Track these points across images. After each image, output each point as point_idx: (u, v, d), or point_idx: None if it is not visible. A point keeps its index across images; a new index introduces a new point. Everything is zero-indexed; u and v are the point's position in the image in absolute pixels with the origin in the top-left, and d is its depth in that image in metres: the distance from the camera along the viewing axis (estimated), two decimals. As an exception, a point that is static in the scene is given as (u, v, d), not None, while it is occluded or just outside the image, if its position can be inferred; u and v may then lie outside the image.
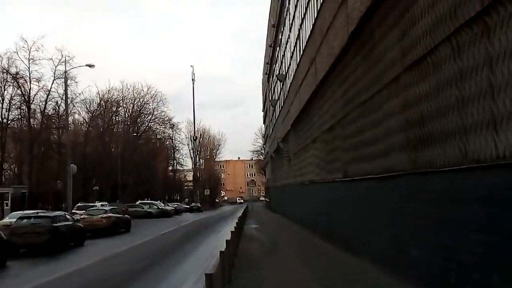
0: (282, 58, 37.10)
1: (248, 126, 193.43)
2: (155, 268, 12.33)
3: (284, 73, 35.82)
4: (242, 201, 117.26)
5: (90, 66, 30.16)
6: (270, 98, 52.22)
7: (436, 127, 7.65)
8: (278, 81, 40.87)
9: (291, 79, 30.14)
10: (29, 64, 45.80)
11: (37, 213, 18.53)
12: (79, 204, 30.43)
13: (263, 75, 65.97)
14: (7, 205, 33.85)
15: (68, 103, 51.47)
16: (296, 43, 26.54)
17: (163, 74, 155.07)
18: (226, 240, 9.25)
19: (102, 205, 29.83)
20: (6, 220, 19.85)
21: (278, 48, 41.74)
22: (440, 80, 7.46)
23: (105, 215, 24.43)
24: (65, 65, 29.76)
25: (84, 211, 26.00)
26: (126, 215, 27.78)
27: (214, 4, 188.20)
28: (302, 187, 25.28)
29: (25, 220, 17.35)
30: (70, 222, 19.06)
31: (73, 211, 27.97)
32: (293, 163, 30.75)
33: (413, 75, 8.64)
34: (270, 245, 16.78)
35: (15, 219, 18.55)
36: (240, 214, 28.04)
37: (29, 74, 46.50)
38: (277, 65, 42.96)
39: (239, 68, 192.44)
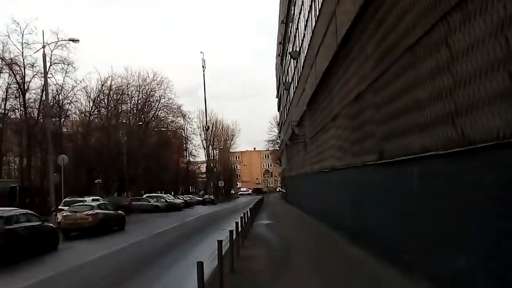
0: (296, 32, 33.14)
1: (264, 117, 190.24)
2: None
3: (297, 49, 31.96)
4: (249, 192, 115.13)
5: (74, 40, 26.48)
6: (283, 81, 48.33)
7: None
8: (292, 61, 37.16)
9: (305, 52, 26.23)
10: (22, 48, 42.09)
11: (-13, 213, 14.94)
12: (66, 199, 26.89)
13: (276, 57, 61.95)
14: (-6, 201, 30.52)
15: (68, 90, 48.56)
16: (311, 6, 22.55)
17: (179, 68, 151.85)
18: (198, 263, 5.48)
19: (93, 199, 26.26)
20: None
21: (291, 23, 37.78)
22: None
23: (90, 212, 20.80)
24: (43, 36, 25.91)
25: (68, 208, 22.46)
26: (119, 211, 24.16)
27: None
28: (321, 176, 21.46)
29: (-26, 222, 13.79)
30: (36, 223, 15.45)
31: (59, 207, 24.52)
32: (310, 149, 26.90)
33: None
34: (281, 251, 12.94)
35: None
36: (251, 207, 24.33)
37: (23, 60, 42.73)
38: (290, 42, 39.01)
39: (255, 59, 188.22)
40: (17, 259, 13.31)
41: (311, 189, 25.94)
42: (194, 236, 18.91)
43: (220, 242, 7.35)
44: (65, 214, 21.21)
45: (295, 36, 34.10)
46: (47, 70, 44.37)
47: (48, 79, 45.13)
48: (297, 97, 33.63)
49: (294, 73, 35.93)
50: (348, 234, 14.25)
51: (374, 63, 11.01)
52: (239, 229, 13.19)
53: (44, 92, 27.89)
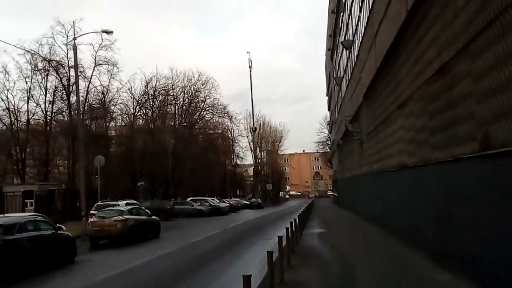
0: (348, 20, 29.94)
1: (314, 120, 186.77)
2: None
3: (350, 37, 28.77)
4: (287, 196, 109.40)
5: (107, 32, 24.32)
6: (334, 77, 45.04)
7: None
8: (344, 52, 34.03)
9: (361, 36, 23.04)
10: (67, 50, 40.98)
11: (-10, 219, 12.70)
12: (99, 203, 24.77)
13: (326, 51, 58.65)
14: (31, 205, 28.97)
15: (113, 92, 47.41)
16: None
17: (229, 73, 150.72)
18: None
19: (126, 203, 23.98)
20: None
21: (342, 12, 34.56)
22: None
23: (119, 218, 18.42)
24: (74, 27, 23.98)
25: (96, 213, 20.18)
26: (153, 217, 21.73)
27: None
28: (383, 177, 18.24)
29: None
30: (47, 232, 13.12)
31: (92, 211, 22.39)
32: (367, 146, 23.66)
33: None
34: (341, 276, 9.78)
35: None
36: (300, 213, 21.39)
37: (68, 61, 41.68)
38: (341, 33, 35.75)
39: (304, 63, 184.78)
40: (18, 277, 10.99)
41: (370, 192, 22.67)
42: (233, 247, 16.10)
43: (247, 280, 4.49)
44: (92, 220, 18.94)
45: (347, 25, 30.91)
46: (92, 72, 43.61)
47: (92, 81, 44.49)
48: (351, 90, 30.41)
49: (347, 65, 32.72)
50: (428, 252, 11.03)
51: (471, 15, 7.86)
52: (284, 242, 10.36)
53: (75, 86, 25.97)
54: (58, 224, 16.32)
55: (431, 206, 10.76)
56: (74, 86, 42.38)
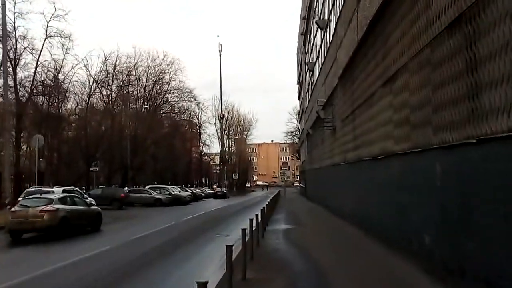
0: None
1: (283, 113, 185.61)
2: None
3: (326, 17, 26.25)
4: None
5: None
6: (306, 62, 42.51)
7: None
8: (317, 36, 31.56)
9: (339, 10, 20.47)
10: (14, 18, 37.08)
11: None
12: (29, 190, 21.51)
13: (299, 37, 56.07)
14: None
15: (68, 68, 43.60)
16: None
17: (203, 63, 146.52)
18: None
19: (63, 190, 20.85)
20: None
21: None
22: None
23: (47, 208, 15.31)
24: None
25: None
26: (95, 207, 18.68)
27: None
28: (360, 166, 15.75)
29: None
30: None
31: (19, 198, 19.21)
32: (341, 133, 21.16)
33: None
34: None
35: None
36: (265, 205, 18.85)
37: (15, 31, 37.80)
38: (316, 12, 33.11)
39: (277, 56, 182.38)
40: None
41: (343, 185, 20.22)
42: (182, 246, 13.30)
43: None
44: (13, 209, 15.76)
45: (323, 3, 28.28)
46: (42, 45, 39.76)
47: (44, 54, 40.66)
48: (324, 74, 27.88)
49: (321, 47, 30.21)
50: (423, 263, 8.52)
51: None
52: (243, 247, 7.67)
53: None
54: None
55: (430, 203, 8.24)
56: (23, 60, 38.92)
